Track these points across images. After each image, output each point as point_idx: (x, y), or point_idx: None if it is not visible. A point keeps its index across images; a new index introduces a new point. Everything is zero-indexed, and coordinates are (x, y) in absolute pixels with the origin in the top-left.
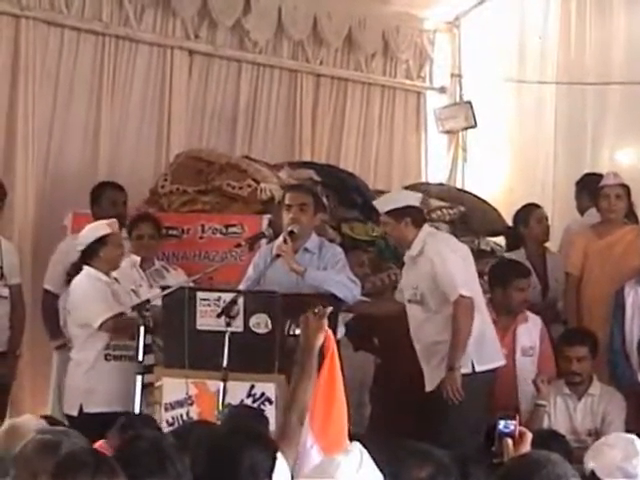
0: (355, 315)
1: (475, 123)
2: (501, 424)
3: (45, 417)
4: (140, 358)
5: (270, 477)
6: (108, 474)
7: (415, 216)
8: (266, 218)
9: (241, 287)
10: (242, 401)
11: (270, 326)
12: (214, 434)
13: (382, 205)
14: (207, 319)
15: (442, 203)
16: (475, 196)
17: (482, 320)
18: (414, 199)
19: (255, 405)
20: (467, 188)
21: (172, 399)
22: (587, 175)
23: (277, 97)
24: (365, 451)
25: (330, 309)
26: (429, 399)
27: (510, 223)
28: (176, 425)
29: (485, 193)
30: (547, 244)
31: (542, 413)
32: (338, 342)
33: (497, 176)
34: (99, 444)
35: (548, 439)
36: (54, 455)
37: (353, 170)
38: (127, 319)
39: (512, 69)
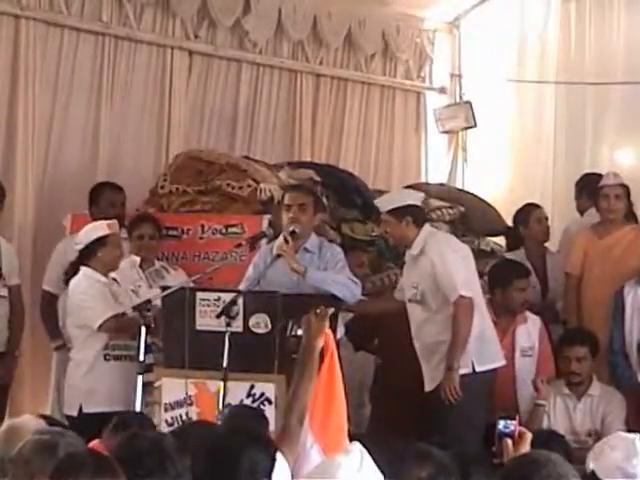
0: (355, 315)
1: (475, 123)
2: (501, 424)
3: (44, 417)
4: (141, 358)
5: (270, 477)
6: (108, 474)
7: (416, 215)
8: (266, 218)
9: (241, 287)
10: (242, 401)
11: (270, 326)
12: (214, 434)
13: (383, 204)
14: (207, 319)
15: (442, 203)
16: (475, 196)
17: (482, 320)
18: (415, 198)
19: (255, 405)
20: (467, 188)
21: (172, 399)
22: (587, 175)
23: (277, 97)
24: (365, 451)
25: (332, 310)
26: (429, 399)
27: (510, 223)
28: (175, 425)
29: (485, 193)
30: (547, 244)
31: (542, 413)
32: (338, 342)
33: (497, 176)
34: (94, 444)
35: (548, 439)
36: (51, 456)
37: (353, 170)
38: (128, 319)
39: (512, 69)
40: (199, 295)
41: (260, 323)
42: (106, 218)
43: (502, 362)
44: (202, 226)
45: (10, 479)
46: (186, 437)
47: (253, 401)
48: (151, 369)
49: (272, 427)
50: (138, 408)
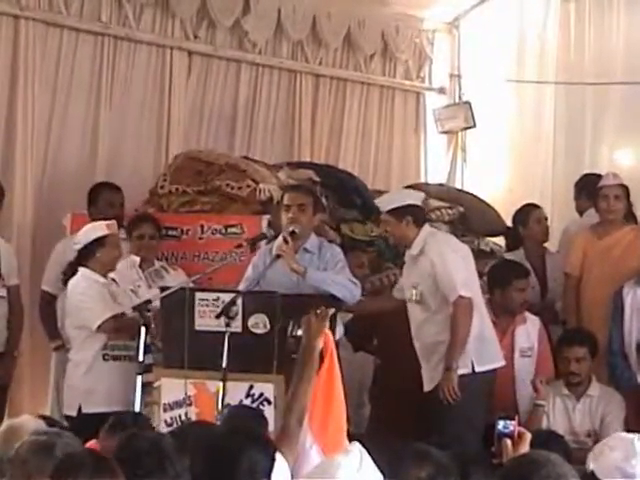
0: (354, 315)
1: (474, 123)
2: (500, 424)
3: (42, 417)
4: (141, 358)
5: (269, 477)
6: (107, 475)
7: (416, 215)
8: (265, 219)
9: (240, 287)
10: (241, 401)
11: (269, 326)
12: (213, 434)
13: (384, 204)
14: (206, 320)
15: (441, 203)
16: (474, 196)
17: (482, 320)
18: (416, 198)
19: (254, 405)
20: (466, 188)
21: (171, 399)
22: (586, 175)
23: (276, 97)
24: (365, 451)
25: (332, 310)
26: (428, 399)
27: (509, 223)
28: (175, 426)
29: (484, 193)
30: (546, 244)
31: (541, 413)
32: (337, 342)
33: (496, 176)
34: (91, 444)
35: (547, 440)
36: (48, 456)
37: (352, 170)
38: (128, 319)
39: (511, 69)
40: (198, 295)
41: (259, 323)
42: (105, 218)
43: (502, 362)
44: (202, 226)
45: (8, 479)
46: (185, 437)
47: (252, 401)
48: (150, 369)
49: (271, 427)
50: (137, 408)
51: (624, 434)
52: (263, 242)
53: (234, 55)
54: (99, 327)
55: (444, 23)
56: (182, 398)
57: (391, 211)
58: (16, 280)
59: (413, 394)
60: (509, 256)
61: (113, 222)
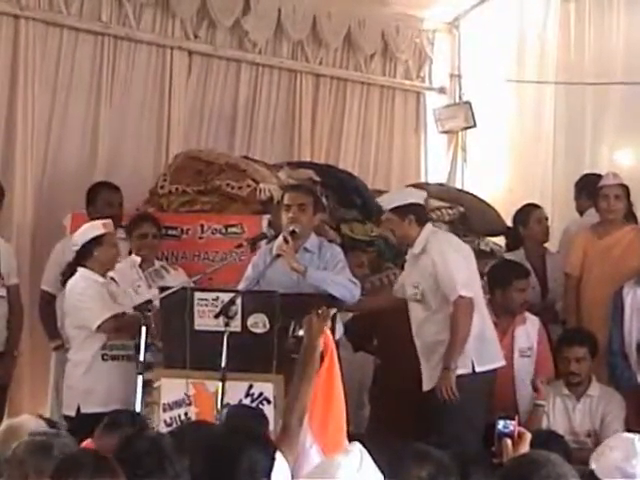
0: (354, 315)
1: (474, 123)
2: (500, 424)
3: (41, 418)
4: (141, 358)
5: (269, 477)
6: (107, 475)
7: (419, 214)
8: (266, 218)
9: (240, 287)
10: (240, 401)
11: (268, 326)
12: (213, 434)
13: (386, 202)
14: (205, 319)
15: (441, 203)
16: (474, 196)
17: (482, 320)
18: (418, 197)
19: (253, 405)
20: (466, 188)
21: (170, 399)
22: (586, 175)
23: (276, 97)
24: (365, 451)
25: (334, 310)
26: (429, 399)
27: (510, 223)
28: (174, 425)
29: (484, 193)
30: (546, 244)
31: (541, 413)
32: (337, 342)
33: (496, 176)
34: (86, 443)
35: (547, 439)
36: (45, 456)
37: (352, 170)
38: (128, 318)
39: (511, 69)
40: (197, 295)
41: (258, 323)
42: (103, 218)
43: (502, 362)
44: (202, 226)
45: (5, 479)
46: (185, 437)
47: (252, 401)
48: (150, 367)
49: (271, 427)
50: (138, 408)
51: (624, 434)
52: (263, 242)
53: (234, 55)
54: (99, 327)
55: (444, 23)
56: (182, 398)
57: (393, 210)
58: (16, 280)
59: (413, 394)
60: (509, 256)
61: (109, 221)
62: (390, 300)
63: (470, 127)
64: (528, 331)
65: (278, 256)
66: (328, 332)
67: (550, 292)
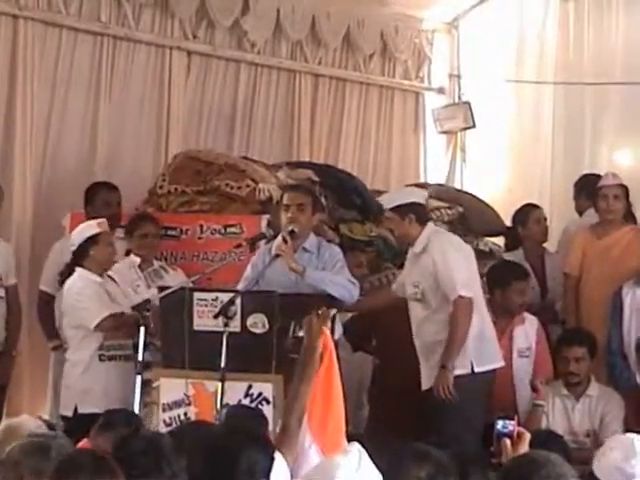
0: (353, 315)
1: (474, 123)
2: (499, 424)
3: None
4: (140, 358)
5: (268, 477)
6: (107, 475)
7: (419, 213)
8: (265, 218)
9: (239, 287)
10: (239, 401)
11: (267, 326)
12: (212, 434)
13: (387, 201)
14: (204, 319)
15: (440, 203)
16: (473, 196)
17: (482, 320)
18: (419, 196)
19: (252, 405)
20: (465, 188)
21: (170, 399)
22: (585, 176)
23: (275, 97)
24: (364, 451)
25: (334, 311)
26: (428, 399)
27: (509, 223)
28: (174, 425)
29: (483, 193)
30: (546, 244)
31: (540, 413)
32: (336, 342)
33: (496, 176)
34: (82, 444)
35: (546, 439)
36: (42, 458)
37: (351, 170)
38: (127, 317)
39: (510, 69)
40: (197, 295)
41: (258, 323)
42: (102, 218)
43: (501, 363)
44: (201, 226)
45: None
46: (184, 437)
47: (251, 401)
48: (149, 366)
49: (270, 427)
50: (137, 407)
51: (623, 435)
52: (262, 242)
53: (233, 55)
54: (97, 326)
55: (443, 23)
56: (181, 398)
57: (394, 209)
58: (14, 280)
59: (412, 394)
60: (508, 256)
61: (104, 220)
62: (389, 298)
63: (469, 127)
64: (527, 331)
65: (277, 256)
66: (327, 332)
67: (549, 292)
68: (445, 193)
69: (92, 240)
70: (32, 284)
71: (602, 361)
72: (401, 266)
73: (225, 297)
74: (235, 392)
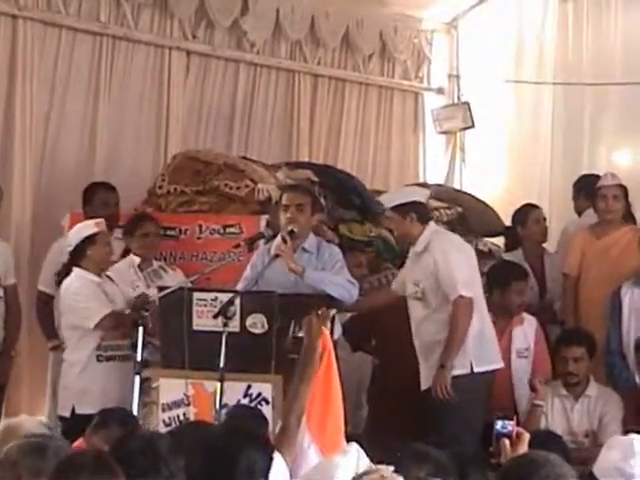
0: (352, 315)
1: (473, 124)
2: (498, 424)
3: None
4: (139, 358)
5: (267, 477)
6: (107, 475)
7: (420, 212)
8: (264, 218)
9: (238, 287)
10: (239, 401)
11: (266, 326)
12: (211, 434)
13: (388, 200)
14: (204, 320)
15: (440, 204)
16: (473, 196)
17: (482, 320)
18: (421, 195)
19: (252, 405)
20: (465, 189)
21: (169, 399)
22: (585, 176)
23: (274, 97)
24: (362, 452)
25: (334, 311)
26: (427, 400)
27: (508, 224)
28: (173, 425)
29: (483, 193)
30: (545, 245)
31: (539, 413)
32: (335, 343)
33: (495, 177)
34: (77, 443)
35: (545, 440)
36: (38, 458)
37: (350, 170)
38: (127, 315)
39: (510, 70)
40: (196, 295)
41: (257, 323)
42: (100, 218)
43: (500, 364)
44: (200, 226)
45: None
46: (183, 437)
47: (250, 401)
48: (147, 365)
49: (269, 427)
50: (135, 406)
51: (623, 435)
52: (261, 242)
53: (232, 55)
54: (97, 325)
55: (443, 23)
56: (181, 398)
57: (395, 208)
58: (13, 280)
59: (411, 394)
60: (507, 256)
61: (101, 220)
62: (389, 298)
63: (468, 127)
64: (525, 331)
65: (276, 256)
66: (326, 332)
67: (548, 292)
68: (444, 193)
69: (89, 240)
70: (31, 284)
71: (601, 361)
72: (401, 266)
73: (224, 297)
74: (234, 392)
